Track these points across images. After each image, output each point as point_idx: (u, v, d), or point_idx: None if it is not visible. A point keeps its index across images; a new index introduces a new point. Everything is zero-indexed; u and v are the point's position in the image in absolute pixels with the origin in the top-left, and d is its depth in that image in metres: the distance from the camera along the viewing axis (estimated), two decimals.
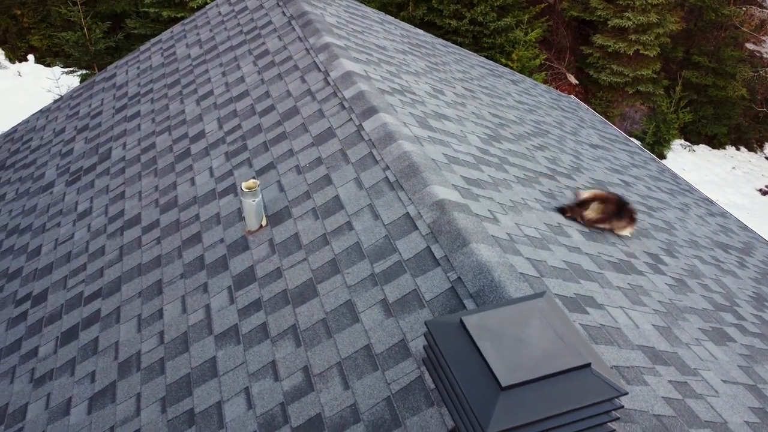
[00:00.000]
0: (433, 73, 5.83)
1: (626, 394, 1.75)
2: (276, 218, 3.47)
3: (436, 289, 2.64)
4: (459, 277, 2.62)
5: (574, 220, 3.80)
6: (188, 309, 3.23)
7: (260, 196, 3.38)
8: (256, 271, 3.22)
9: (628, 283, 3.22)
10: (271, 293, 3.04)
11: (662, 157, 16.65)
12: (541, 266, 2.84)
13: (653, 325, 2.90)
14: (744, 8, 18.30)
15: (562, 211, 3.82)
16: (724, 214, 6.50)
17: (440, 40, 8.15)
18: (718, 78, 17.19)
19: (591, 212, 3.80)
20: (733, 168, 17.33)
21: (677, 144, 17.56)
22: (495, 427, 1.60)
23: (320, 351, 2.66)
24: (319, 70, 4.54)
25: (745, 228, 6.39)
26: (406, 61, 5.69)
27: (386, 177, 3.35)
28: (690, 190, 6.88)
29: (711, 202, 6.87)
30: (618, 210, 3.84)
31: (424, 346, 2.00)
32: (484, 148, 4.25)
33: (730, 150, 18.40)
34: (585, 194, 3.93)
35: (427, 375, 2.34)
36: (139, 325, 3.31)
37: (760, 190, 16.49)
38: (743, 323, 3.59)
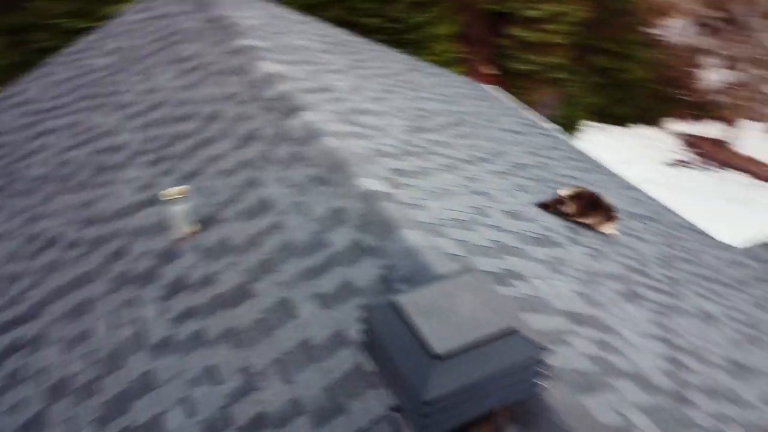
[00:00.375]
0: (355, 70, 5.90)
1: (551, 352, 1.88)
2: (205, 223, 3.44)
3: (369, 277, 2.71)
4: (390, 263, 2.70)
5: (556, 214, 4.19)
6: (119, 324, 3.15)
7: (187, 202, 3.35)
8: (188, 278, 3.18)
9: (549, 256, 3.41)
10: (205, 298, 3.02)
11: (577, 139, 17.46)
12: (467, 246, 2.97)
13: (573, 291, 3.10)
14: None
15: (543, 206, 4.21)
16: (635, 188, 6.93)
17: (361, 38, 8.24)
18: (624, 62, 18.19)
19: (568, 207, 4.19)
20: (642, 145, 18.40)
21: (590, 126, 18.45)
22: (431, 394, 1.69)
23: (259, 350, 2.67)
24: (241, 73, 4.51)
25: (654, 199, 6.83)
26: (328, 60, 5.74)
27: (313, 173, 3.39)
28: (603, 167, 7.28)
29: (623, 177, 7.29)
30: (593, 206, 4.23)
31: (361, 331, 2.07)
32: (407, 139, 4.36)
33: (639, 129, 19.52)
34: (564, 192, 4.30)
35: (365, 360, 2.41)
36: (67, 346, 3.19)
37: (668, 164, 17.59)
38: (654, 283, 3.87)
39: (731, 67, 20.17)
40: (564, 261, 3.46)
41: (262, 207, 3.34)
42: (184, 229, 3.39)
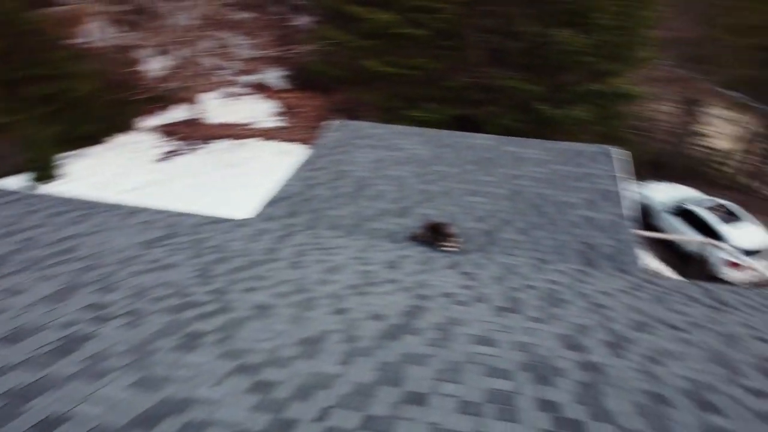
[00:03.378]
0: None
1: None
2: None
3: None
4: None
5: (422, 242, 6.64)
6: None
7: None
8: None
9: (83, 359, 2.94)
10: None
11: (59, 177, 16.07)
12: None
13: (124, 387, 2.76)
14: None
15: (412, 238, 6.68)
16: (142, 209, 6.66)
17: None
18: (63, 81, 17.07)
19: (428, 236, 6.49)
20: (128, 153, 18.23)
21: (67, 156, 17.17)
22: None
23: None
24: None
25: (166, 211, 6.69)
26: None
27: None
28: (101, 204, 6.73)
29: (128, 206, 6.91)
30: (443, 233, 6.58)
31: None
32: None
33: (116, 139, 19.19)
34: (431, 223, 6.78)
35: None
36: None
37: (159, 160, 17.98)
38: (203, 309, 3.83)
39: (164, 53, 21.36)
40: (105, 355, 3.04)
41: None
42: None
